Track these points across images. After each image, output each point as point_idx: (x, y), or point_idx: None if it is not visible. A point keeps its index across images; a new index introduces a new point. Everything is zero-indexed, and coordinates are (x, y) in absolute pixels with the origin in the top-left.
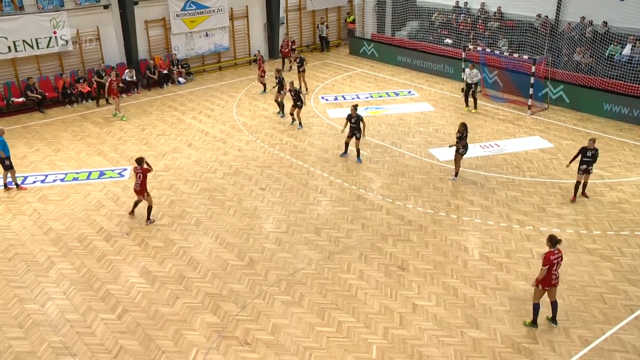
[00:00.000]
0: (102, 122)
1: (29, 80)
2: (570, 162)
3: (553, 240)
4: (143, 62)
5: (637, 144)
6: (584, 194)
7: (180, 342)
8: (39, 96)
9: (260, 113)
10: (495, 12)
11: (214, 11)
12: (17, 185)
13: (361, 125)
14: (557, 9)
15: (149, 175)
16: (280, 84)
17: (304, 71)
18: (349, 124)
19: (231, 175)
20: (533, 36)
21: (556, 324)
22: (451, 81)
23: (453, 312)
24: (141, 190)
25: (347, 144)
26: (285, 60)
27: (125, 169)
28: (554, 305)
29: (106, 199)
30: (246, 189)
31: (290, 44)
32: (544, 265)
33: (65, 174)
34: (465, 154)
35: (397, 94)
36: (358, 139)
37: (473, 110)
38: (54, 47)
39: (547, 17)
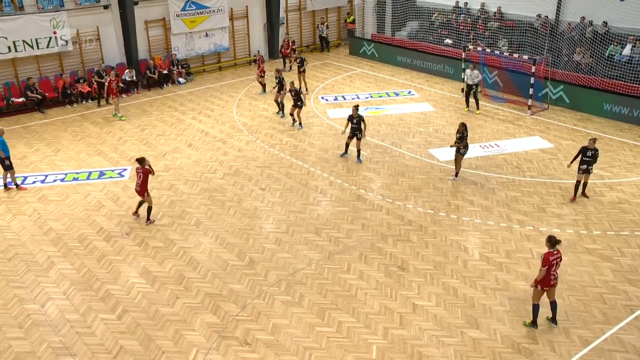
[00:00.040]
0: (102, 122)
1: (29, 81)
2: (571, 162)
3: (552, 241)
4: (143, 62)
5: (637, 144)
6: (584, 194)
7: (180, 342)
8: (39, 96)
9: (260, 113)
10: (495, 12)
11: (213, 11)
12: (16, 185)
13: (362, 125)
14: (557, 9)
15: (150, 176)
16: (280, 84)
17: (304, 71)
18: (350, 125)
19: (231, 175)
20: (533, 36)
21: (556, 324)
22: (451, 81)
23: (453, 312)
24: (141, 190)
25: (347, 145)
26: (286, 60)
27: (125, 169)
28: (554, 305)
29: (106, 199)
30: (246, 189)
31: (290, 44)
32: (543, 265)
33: (65, 174)
34: (466, 154)
35: (397, 94)
36: (359, 139)
37: (476, 112)
38: (54, 47)
39: (547, 17)
